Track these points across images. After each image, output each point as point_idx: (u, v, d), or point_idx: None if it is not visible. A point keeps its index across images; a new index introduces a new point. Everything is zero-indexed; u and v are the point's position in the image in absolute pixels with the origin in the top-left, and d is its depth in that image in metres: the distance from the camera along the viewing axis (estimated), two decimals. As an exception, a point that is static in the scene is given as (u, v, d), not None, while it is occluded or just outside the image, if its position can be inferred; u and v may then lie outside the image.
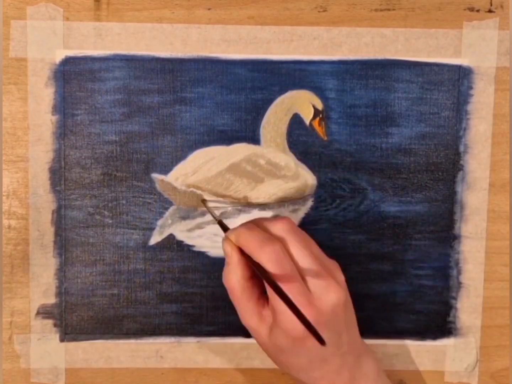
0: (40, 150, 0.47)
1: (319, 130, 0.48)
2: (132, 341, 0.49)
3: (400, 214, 0.48)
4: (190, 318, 0.49)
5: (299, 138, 0.48)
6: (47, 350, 0.48)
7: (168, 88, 0.47)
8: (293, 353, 0.39)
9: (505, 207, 0.49)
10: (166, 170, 0.48)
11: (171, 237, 0.48)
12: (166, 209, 0.48)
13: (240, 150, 0.48)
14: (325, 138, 0.48)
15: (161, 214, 0.48)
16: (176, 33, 0.47)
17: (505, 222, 0.49)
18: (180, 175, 0.48)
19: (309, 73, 0.47)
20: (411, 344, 0.49)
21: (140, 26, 0.47)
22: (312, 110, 0.47)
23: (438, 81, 0.48)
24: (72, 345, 0.48)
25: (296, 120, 0.48)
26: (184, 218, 0.48)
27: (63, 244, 0.48)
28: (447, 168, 0.48)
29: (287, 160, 0.48)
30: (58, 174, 0.47)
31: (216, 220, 0.43)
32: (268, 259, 0.38)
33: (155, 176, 0.48)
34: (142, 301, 0.48)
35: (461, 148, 0.48)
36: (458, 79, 0.48)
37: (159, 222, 0.48)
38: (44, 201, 0.47)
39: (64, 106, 0.47)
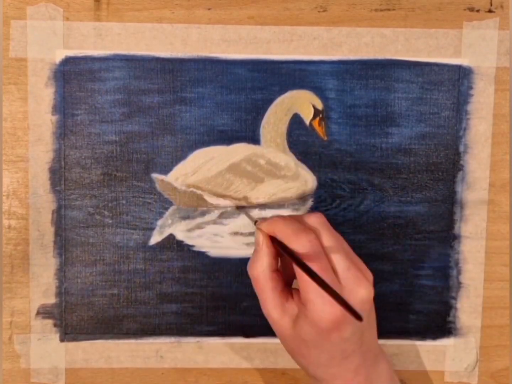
0: (40, 150, 0.47)
1: (319, 130, 0.48)
2: (132, 341, 0.49)
3: (400, 214, 0.48)
4: (190, 318, 0.49)
5: (299, 138, 0.48)
6: (47, 350, 0.48)
7: (168, 88, 0.47)
8: (316, 346, 0.38)
9: (505, 207, 0.49)
10: (166, 170, 0.48)
11: (171, 237, 0.48)
12: (166, 209, 0.48)
13: (240, 150, 0.48)
14: (325, 138, 0.48)
15: (161, 214, 0.48)
16: (176, 33, 0.47)
17: (505, 222, 0.49)
18: (180, 175, 0.48)
19: (309, 73, 0.47)
20: (411, 344, 0.49)
21: (140, 26, 0.47)
22: (312, 110, 0.47)
23: (438, 81, 0.48)
24: (72, 345, 0.48)
25: (296, 120, 0.48)
26: (184, 218, 0.48)
27: (63, 244, 0.48)
28: (447, 168, 0.48)
29: (287, 160, 0.48)
30: (58, 174, 0.47)
31: (254, 224, 0.43)
32: (302, 248, 0.38)
33: (155, 176, 0.48)
34: (142, 301, 0.48)
35: (461, 148, 0.48)
36: (458, 79, 0.48)
37: (159, 222, 0.48)
38: (44, 201, 0.47)
39: (64, 106, 0.47)
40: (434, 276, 0.49)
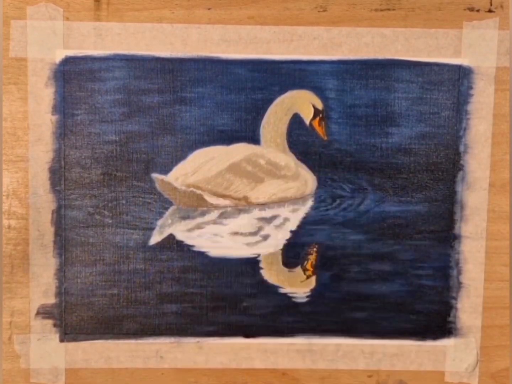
0: (40, 150, 0.47)
1: (319, 130, 0.48)
2: (132, 341, 0.49)
3: (400, 214, 0.48)
4: (190, 318, 0.49)
5: (299, 138, 0.48)
6: (47, 350, 0.48)
7: (168, 88, 0.47)
8: None
9: (505, 207, 0.49)
10: (166, 170, 0.48)
11: (171, 237, 0.48)
12: (166, 209, 0.48)
13: (240, 150, 0.48)
14: (325, 138, 0.48)
15: (161, 214, 0.48)
16: (176, 33, 0.47)
17: (505, 222, 0.49)
18: (180, 175, 0.48)
19: (309, 73, 0.47)
20: (411, 344, 0.49)
21: (140, 26, 0.47)
22: (312, 110, 0.47)
23: (438, 81, 0.48)
24: (72, 345, 0.48)
25: (296, 120, 0.48)
26: (184, 218, 0.48)
27: (63, 244, 0.48)
28: (447, 168, 0.48)
29: (287, 160, 0.48)
30: (58, 174, 0.47)
31: None
32: None
33: (155, 176, 0.48)
34: (142, 301, 0.48)
35: (461, 148, 0.48)
36: (458, 79, 0.48)
37: (159, 222, 0.48)
38: (44, 201, 0.47)
39: (64, 106, 0.47)
40: (434, 276, 0.49)
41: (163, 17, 0.47)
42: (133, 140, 0.47)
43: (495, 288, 0.49)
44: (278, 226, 0.48)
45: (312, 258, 0.48)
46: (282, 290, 0.48)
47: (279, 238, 0.48)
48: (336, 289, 0.48)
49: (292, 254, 0.48)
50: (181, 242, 0.48)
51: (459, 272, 0.49)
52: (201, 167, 0.48)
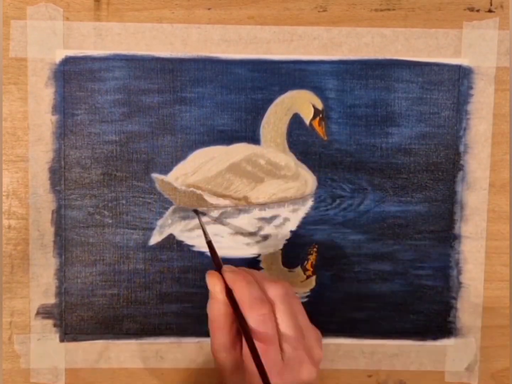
0: (40, 150, 0.47)
1: (319, 130, 0.48)
2: (132, 341, 0.49)
3: (400, 214, 0.48)
4: (190, 318, 0.49)
5: (299, 138, 0.48)
6: (47, 350, 0.48)
7: (168, 88, 0.47)
8: None
9: (505, 207, 0.49)
10: (166, 170, 0.48)
11: (171, 237, 0.48)
12: (166, 209, 0.48)
13: (240, 150, 0.48)
14: (325, 138, 0.48)
15: (161, 214, 0.48)
16: (176, 33, 0.47)
17: (505, 222, 0.49)
18: (180, 175, 0.48)
19: (309, 73, 0.47)
20: (411, 344, 0.49)
21: (140, 26, 0.47)
22: (312, 110, 0.48)
23: (438, 81, 0.48)
24: (72, 345, 0.48)
25: (296, 120, 0.48)
26: (184, 218, 0.48)
27: (63, 244, 0.48)
28: (447, 168, 0.48)
29: (287, 160, 0.48)
30: (58, 174, 0.47)
31: (206, 239, 0.44)
32: (253, 321, 0.38)
33: (155, 176, 0.48)
34: (142, 301, 0.48)
35: (461, 148, 0.48)
36: (458, 79, 0.48)
37: (159, 222, 0.48)
38: (44, 201, 0.47)
39: (64, 106, 0.47)
40: (434, 276, 0.49)
41: (163, 17, 0.47)
42: (133, 140, 0.47)
43: (495, 288, 0.49)
44: (278, 226, 0.48)
45: (312, 258, 0.48)
46: (282, 290, 0.48)
47: (279, 238, 0.48)
48: (336, 289, 0.48)
49: (292, 254, 0.48)
50: (181, 242, 0.48)
51: (459, 272, 0.49)
52: (201, 167, 0.48)
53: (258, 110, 0.47)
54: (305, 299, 0.48)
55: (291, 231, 0.48)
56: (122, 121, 0.47)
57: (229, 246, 0.48)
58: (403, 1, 0.47)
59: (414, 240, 0.49)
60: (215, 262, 0.42)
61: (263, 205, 0.48)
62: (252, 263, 0.48)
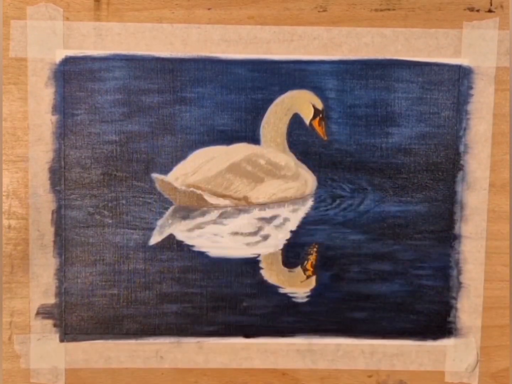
0: (40, 150, 0.47)
1: (319, 130, 0.48)
2: (132, 341, 0.48)
3: (400, 214, 0.48)
4: (190, 318, 0.49)
5: (299, 138, 0.48)
6: (47, 350, 0.48)
7: (168, 88, 0.47)
8: None
9: (505, 207, 0.49)
10: (166, 170, 0.48)
11: (171, 237, 0.48)
12: (166, 209, 0.48)
13: (240, 150, 0.48)
14: (325, 138, 0.48)
15: (161, 214, 0.48)
16: (176, 33, 0.47)
17: (505, 222, 0.49)
18: (180, 175, 0.48)
19: (309, 73, 0.47)
20: (411, 344, 0.49)
21: (140, 26, 0.47)
22: (312, 110, 0.47)
23: (438, 81, 0.48)
24: (72, 345, 0.48)
25: (296, 120, 0.48)
26: (184, 218, 0.48)
27: (63, 244, 0.48)
28: (447, 168, 0.48)
29: (287, 160, 0.48)
30: (58, 174, 0.47)
31: None
32: None
33: (155, 176, 0.48)
34: (142, 301, 0.48)
35: (461, 148, 0.48)
36: (458, 79, 0.48)
37: (159, 222, 0.48)
38: (44, 201, 0.47)
39: (64, 106, 0.47)
40: (434, 276, 0.49)
41: (163, 17, 0.47)
42: (133, 140, 0.47)
43: (495, 288, 0.49)
44: (278, 226, 0.48)
45: (312, 258, 0.48)
46: (282, 290, 0.48)
47: (279, 238, 0.48)
48: (336, 289, 0.48)
49: (292, 254, 0.48)
50: (181, 242, 0.48)
51: (459, 272, 0.49)
52: (201, 167, 0.48)
53: (258, 110, 0.47)
54: (305, 299, 0.48)
55: (291, 231, 0.48)
56: (122, 121, 0.47)
57: (229, 246, 0.48)
58: (403, 1, 0.47)
59: (414, 240, 0.49)
60: None
61: (263, 205, 0.48)
62: (252, 263, 0.48)
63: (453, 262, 0.49)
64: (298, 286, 0.48)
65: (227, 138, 0.48)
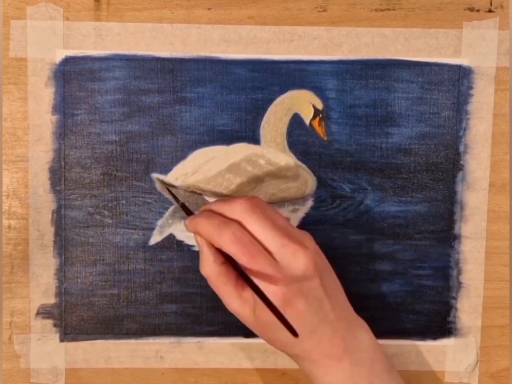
0: (40, 150, 0.47)
1: (319, 130, 0.48)
2: (132, 341, 0.49)
3: (400, 214, 0.48)
4: (190, 318, 0.49)
5: (299, 138, 0.48)
6: (47, 350, 0.48)
7: (168, 88, 0.47)
8: (279, 327, 0.38)
9: (505, 207, 0.49)
10: (166, 170, 0.48)
11: (171, 237, 0.48)
12: (166, 209, 0.48)
13: (240, 150, 0.48)
14: (325, 138, 0.48)
15: (161, 214, 0.48)
16: (176, 33, 0.47)
17: (505, 222, 0.49)
18: (180, 175, 0.48)
19: (309, 73, 0.47)
20: (411, 344, 0.49)
21: (140, 26, 0.47)
22: (312, 110, 0.47)
23: (438, 81, 0.48)
24: (72, 345, 0.48)
25: (296, 120, 0.48)
26: (184, 218, 0.48)
27: (63, 244, 0.48)
28: (447, 168, 0.48)
29: (287, 160, 0.48)
30: (58, 174, 0.47)
31: (178, 203, 0.44)
32: (227, 242, 0.38)
33: (155, 176, 0.48)
34: (142, 301, 0.48)
35: (461, 148, 0.48)
36: (458, 79, 0.48)
37: (159, 222, 0.48)
38: (44, 201, 0.47)
39: (64, 106, 0.47)
40: (434, 276, 0.49)
41: (163, 17, 0.47)
42: (133, 140, 0.47)
43: (495, 288, 0.49)
44: (278, 226, 0.48)
45: (312, 258, 0.48)
46: (282, 290, 0.48)
47: (279, 238, 0.48)
48: (336, 289, 0.48)
49: (292, 254, 0.48)
50: (181, 242, 0.48)
51: (459, 272, 0.49)
52: (201, 167, 0.48)
53: (258, 110, 0.47)
54: (305, 299, 0.48)
55: (291, 231, 0.48)
56: (122, 121, 0.47)
57: (229, 246, 0.48)
58: (403, 1, 0.47)
59: (414, 240, 0.49)
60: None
61: (263, 205, 0.48)
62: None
63: (453, 262, 0.49)
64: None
65: (227, 138, 0.48)
